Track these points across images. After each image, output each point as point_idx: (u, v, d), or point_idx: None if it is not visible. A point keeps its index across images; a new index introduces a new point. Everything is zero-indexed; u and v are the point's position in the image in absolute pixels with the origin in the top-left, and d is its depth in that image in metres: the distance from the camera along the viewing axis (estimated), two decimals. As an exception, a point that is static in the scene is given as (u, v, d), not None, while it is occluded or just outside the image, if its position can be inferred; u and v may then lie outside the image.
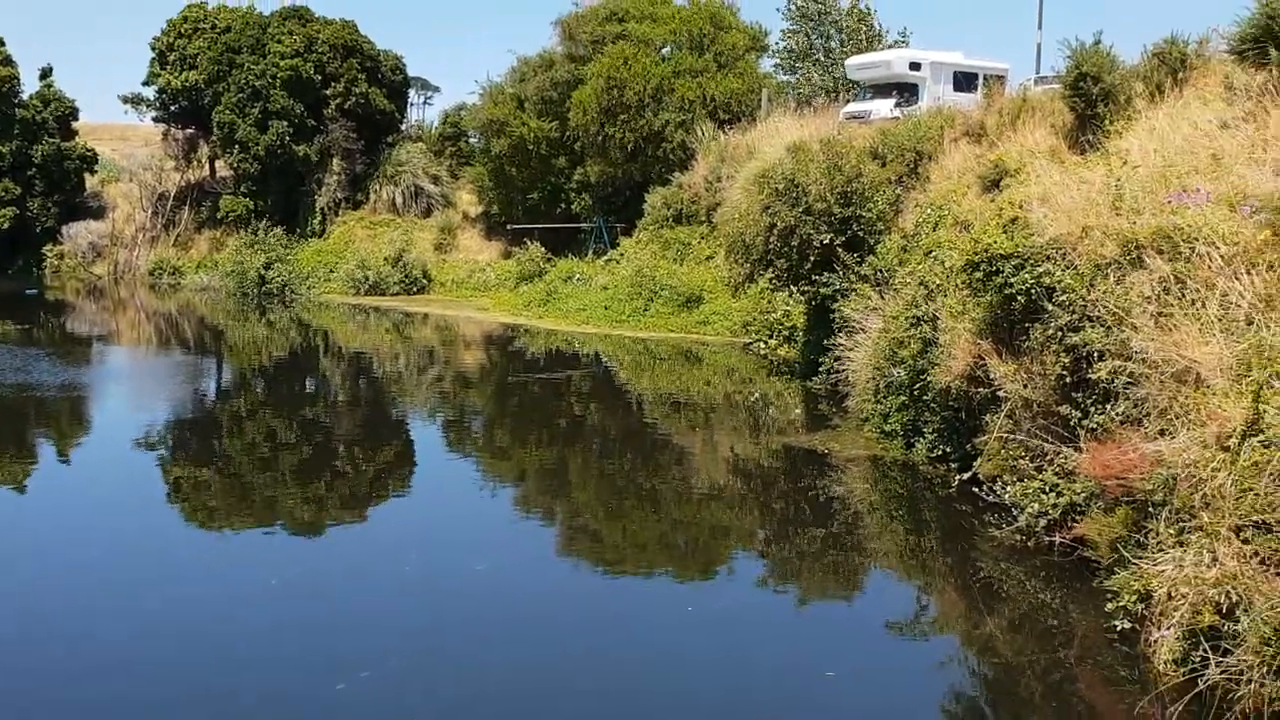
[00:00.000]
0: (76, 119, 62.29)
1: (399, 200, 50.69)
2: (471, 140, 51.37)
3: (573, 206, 43.53)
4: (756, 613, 10.31)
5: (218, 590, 10.29)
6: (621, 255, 36.74)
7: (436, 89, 77.91)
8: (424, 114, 65.36)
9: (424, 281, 45.43)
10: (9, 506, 13.60)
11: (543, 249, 41.68)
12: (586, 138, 40.73)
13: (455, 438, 18.69)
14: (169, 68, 54.13)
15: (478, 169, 47.94)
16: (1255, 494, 7.64)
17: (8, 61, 59.84)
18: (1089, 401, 10.50)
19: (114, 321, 39.43)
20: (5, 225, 57.56)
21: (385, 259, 45.10)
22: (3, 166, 57.43)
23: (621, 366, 26.81)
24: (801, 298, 21.66)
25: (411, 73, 57.53)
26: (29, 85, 60.71)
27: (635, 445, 17.90)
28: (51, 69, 61.85)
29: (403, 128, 57.28)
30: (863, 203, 19.66)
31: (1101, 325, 10.22)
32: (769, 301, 25.40)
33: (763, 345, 25.62)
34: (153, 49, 55.34)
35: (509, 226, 45.69)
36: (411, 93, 59.41)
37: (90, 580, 10.49)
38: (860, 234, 19.68)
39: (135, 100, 58.38)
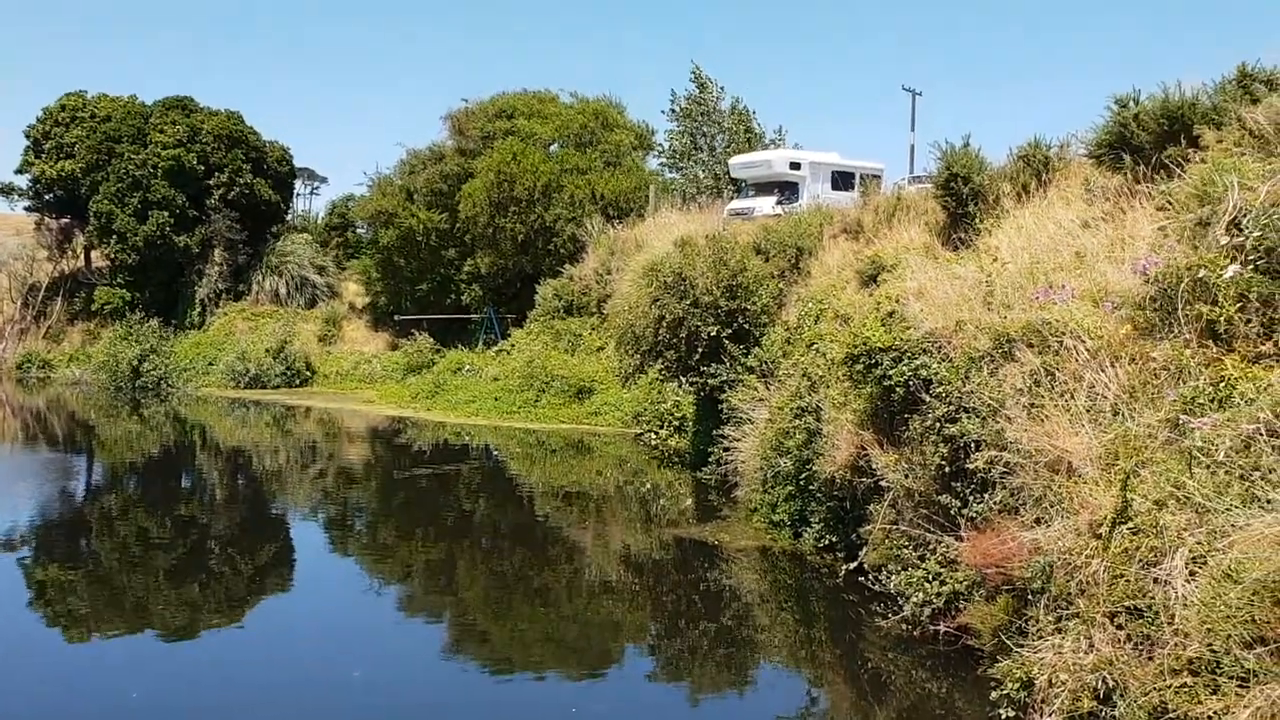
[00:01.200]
0: (-59, 207, 59.96)
1: (283, 291, 49.89)
2: (359, 231, 51.09)
3: (463, 297, 43.44)
4: (648, 711, 10.15)
5: (73, 704, 9.68)
6: (513, 346, 36.70)
7: (324, 179, 77.54)
8: (310, 204, 64.97)
9: (307, 374, 44.53)
10: None
11: (431, 340, 41.40)
12: (477, 229, 40.91)
13: (337, 536, 18.16)
14: (44, 156, 52.68)
15: (365, 260, 47.61)
16: (1126, 580, 7.88)
17: None
18: (968, 490, 10.77)
19: (-25, 417, 37.48)
20: None
21: (267, 351, 44.10)
22: None
23: (512, 458, 26.54)
24: (690, 388, 21.87)
25: (298, 163, 57.15)
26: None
27: (525, 539, 17.64)
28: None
29: (288, 218, 56.72)
30: (748, 296, 20.07)
31: (977, 416, 10.55)
32: (659, 392, 25.59)
33: (653, 435, 25.71)
34: (27, 136, 53.86)
35: (396, 317, 45.28)
36: (298, 183, 58.94)
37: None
38: (746, 326, 20.05)
39: (7, 189, 56.52)
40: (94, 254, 55.05)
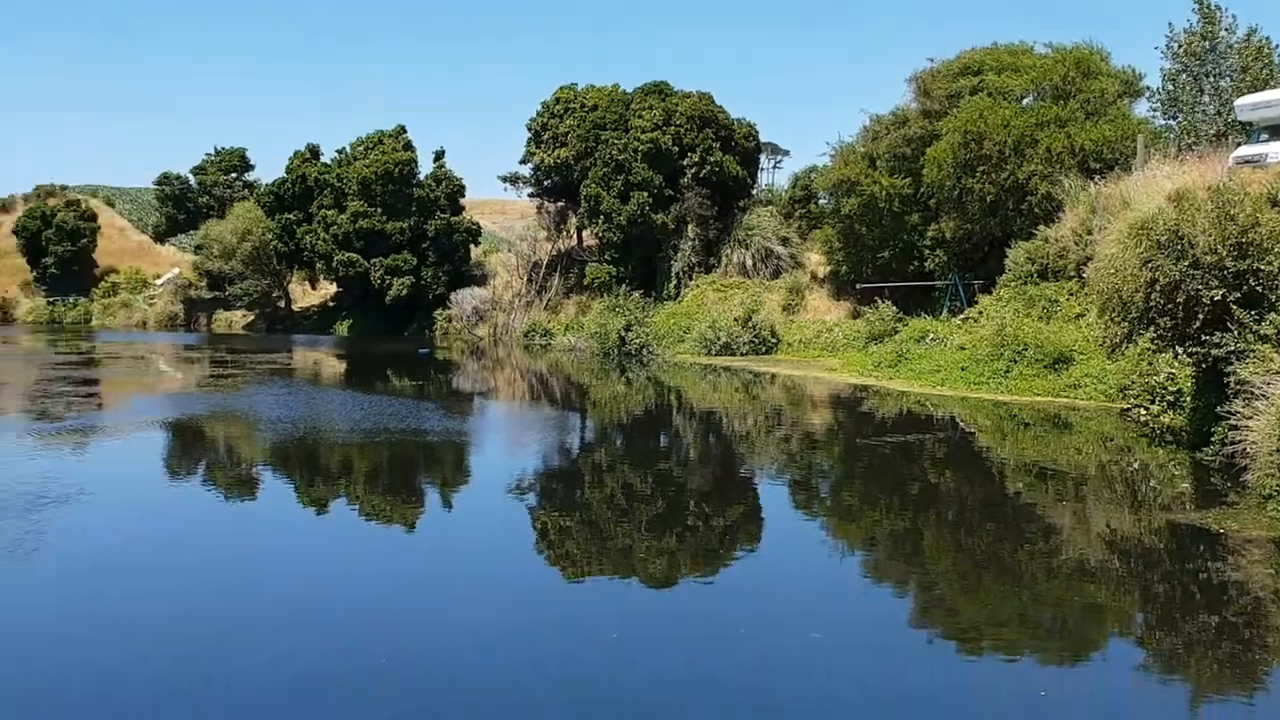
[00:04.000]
0: (464, 196, 69.11)
1: (749, 263, 51.68)
2: (821, 201, 51.52)
3: (926, 264, 42.30)
4: (1134, 706, 9.19)
5: (560, 639, 10.62)
6: (980, 313, 35.17)
7: (786, 153, 79.31)
8: (774, 178, 66.49)
9: (772, 342, 45.82)
10: (397, 543, 14.89)
11: (894, 308, 40.78)
12: (941, 193, 39.61)
13: (802, 498, 18.44)
14: (543, 146, 58.70)
15: (827, 230, 47.92)
16: None
17: (408, 147, 67.45)
18: None
19: (492, 379, 42.82)
20: (404, 292, 64.50)
21: (735, 320, 45.98)
22: (402, 240, 64.54)
23: (980, 431, 25.46)
24: (1189, 359, 19.58)
25: (762, 138, 58.79)
26: (424, 167, 68.10)
27: (996, 515, 16.80)
28: (444, 151, 69.12)
29: (753, 192, 58.55)
30: (1261, 255, 17.51)
31: None
32: (1150, 363, 23.20)
33: (1142, 411, 23.42)
34: (528, 129, 60.30)
35: (858, 286, 45.15)
36: (762, 158, 60.71)
37: (465, 618, 11.15)
38: (1259, 289, 17.52)
39: (513, 179, 63.75)
40: (585, 233, 60.55)
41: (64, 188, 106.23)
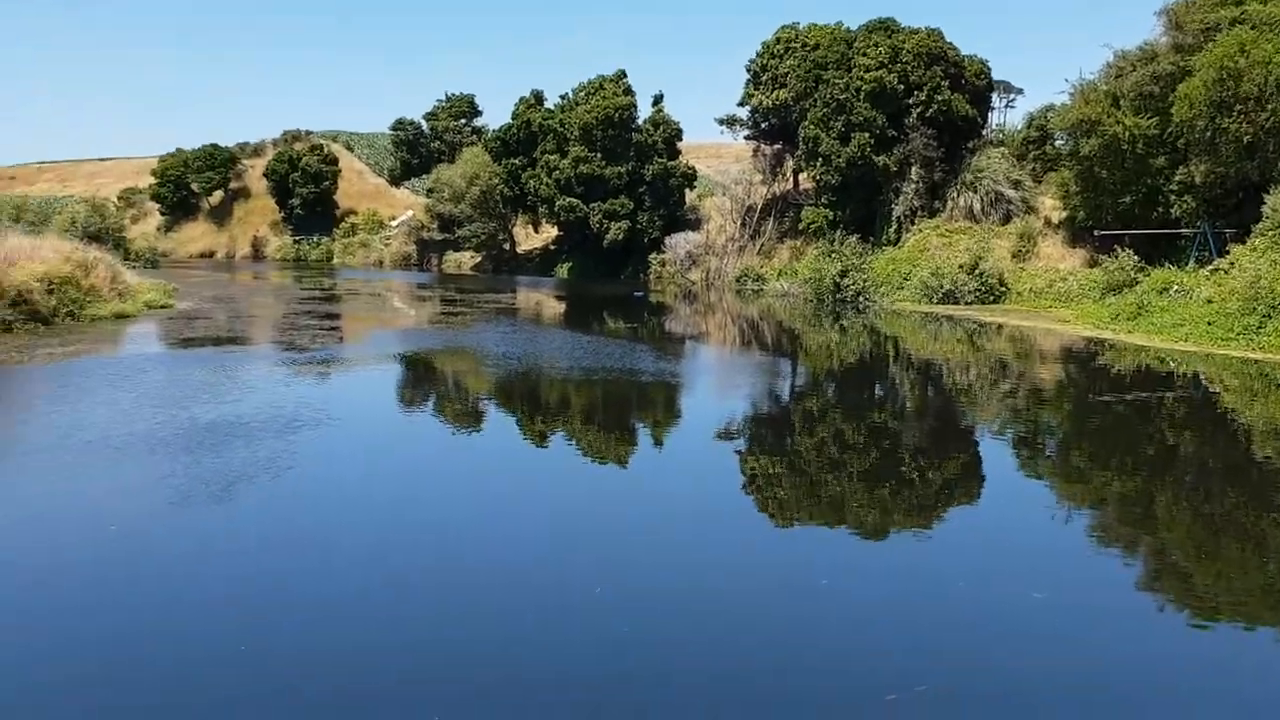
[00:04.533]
0: (680, 140, 69.20)
1: (977, 207, 49.55)
2: (1057, 143, 48.65)
3: (1172, 210, 39.38)
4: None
5: (767, 581, 10.61)
6: (1231, 264, 32.51)
7: (1019, 91, 74.95)
8: (1005, 118, 63.33)
9: (1000, 290, 43.95)
10: (611, 482, 15.26)
11: (1134, 257, 38.25)
12: (1192, 134, 36.67)
13: (1026, 455, 17.65)
14: (761, 88, 57.90)
15: (1063, 172, 45.24)
16: None
17: (628, 92, 68.03)
18: None
19: (703, 323, 43.03)
20: (620, 236, 65.50)
21: (960, 267, 44.31)
22: (620, 184, 65.41)
23: (1227, 390, 23.64)
24: None
25: (995, 76, 55.94)
26: (643, 112, 68.57)
27: (1239, 481, 15.58)
28: (662, 96, 69.36)
29: (984, 133, 55.92)
30: None
31: None
32: None
33: None
34: (747, 70, 59.57)
35: (1096, 233, 42.54)
36: (994, 97, 57.74)
37: (678, 558, 11.34)
38: None
39: (730, 121, 63.26)
40: (801, 176, 59.59)
41: (308, 133, 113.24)
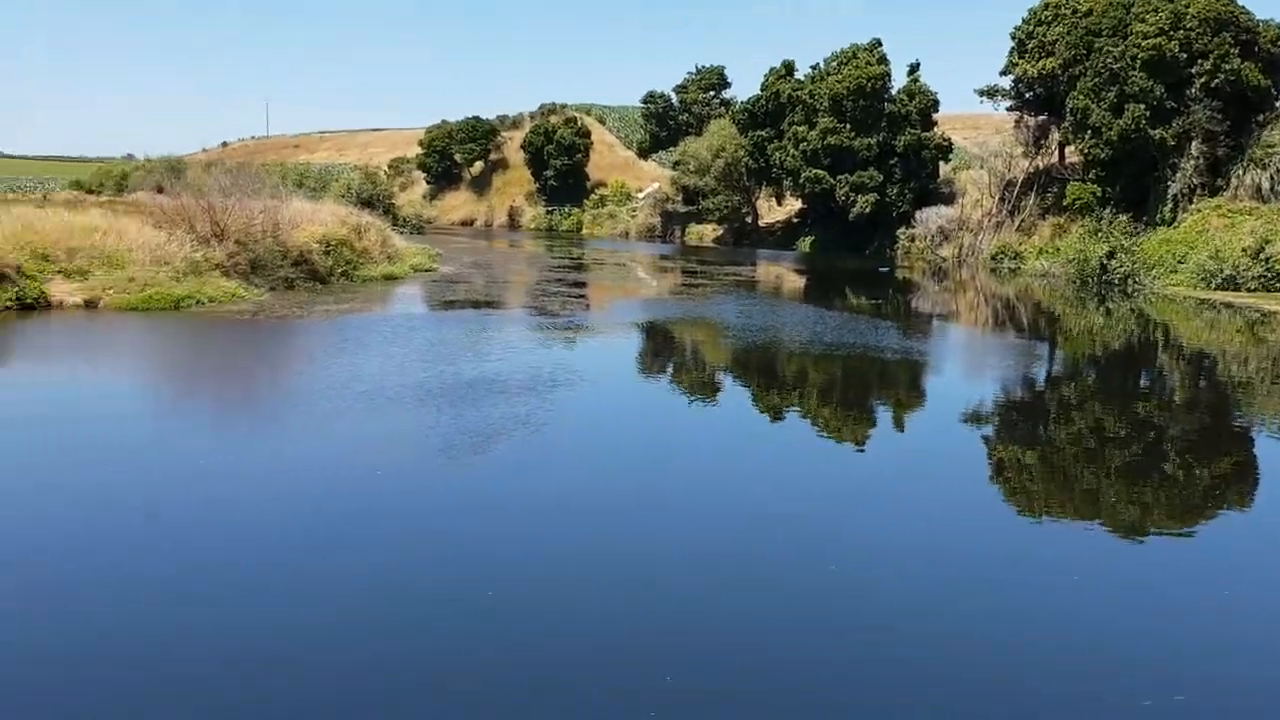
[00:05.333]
0: (936, 111, 66.76)
1: (1265, 186, 45.28)
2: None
3: None
4: None
5: (1002, 570, 10.15)
6: None
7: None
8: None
9: (1291, 277, 40.06)
10: (848, 460, 15.03)
11: None
12: None
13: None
14: (1026, 56, 54.99)
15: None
16: None
17: (882, 61, 66.25)
18: None
19: (953, 302, 41.54)
20: (867, 210, 64.08)
21: (1243, 250, 40.66)
22: (869, 156, 63.90)
23: None
24: None
25: (1296, 41, 50.66)
26: (897, 82, 66.59)
27: None
28: (918, 65, 67.08)
29: (1277, 105, 50.90)
30: None
31: None
32: None
33: None
34: (1012, 38, 56.68)
35: None
36: (1294, 64, 52.35)
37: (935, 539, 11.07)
38: None
39: (991, 91, 60.46)
40: (1067, 150, 56.28)
41: (563, 106, 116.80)
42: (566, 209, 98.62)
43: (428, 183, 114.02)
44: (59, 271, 27.50)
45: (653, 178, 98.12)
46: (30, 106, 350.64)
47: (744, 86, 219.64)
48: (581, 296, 37.39)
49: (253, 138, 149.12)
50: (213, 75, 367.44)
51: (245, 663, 7.68)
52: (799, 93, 69.44)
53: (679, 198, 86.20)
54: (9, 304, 25.33)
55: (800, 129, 67.51)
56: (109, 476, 12.32)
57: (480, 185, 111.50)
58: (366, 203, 58.16)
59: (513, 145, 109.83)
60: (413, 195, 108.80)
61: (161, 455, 13.64)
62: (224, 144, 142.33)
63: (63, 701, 7.04)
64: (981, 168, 61.50)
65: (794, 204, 77.52)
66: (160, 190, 46.73)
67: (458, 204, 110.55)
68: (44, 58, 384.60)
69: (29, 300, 25.82)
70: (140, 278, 27.67)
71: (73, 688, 7.22)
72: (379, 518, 11.10)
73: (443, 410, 15.84)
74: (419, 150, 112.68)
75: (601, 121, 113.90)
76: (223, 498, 11.56)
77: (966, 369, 24.57)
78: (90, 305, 26.43)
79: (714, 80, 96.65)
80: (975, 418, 18.03)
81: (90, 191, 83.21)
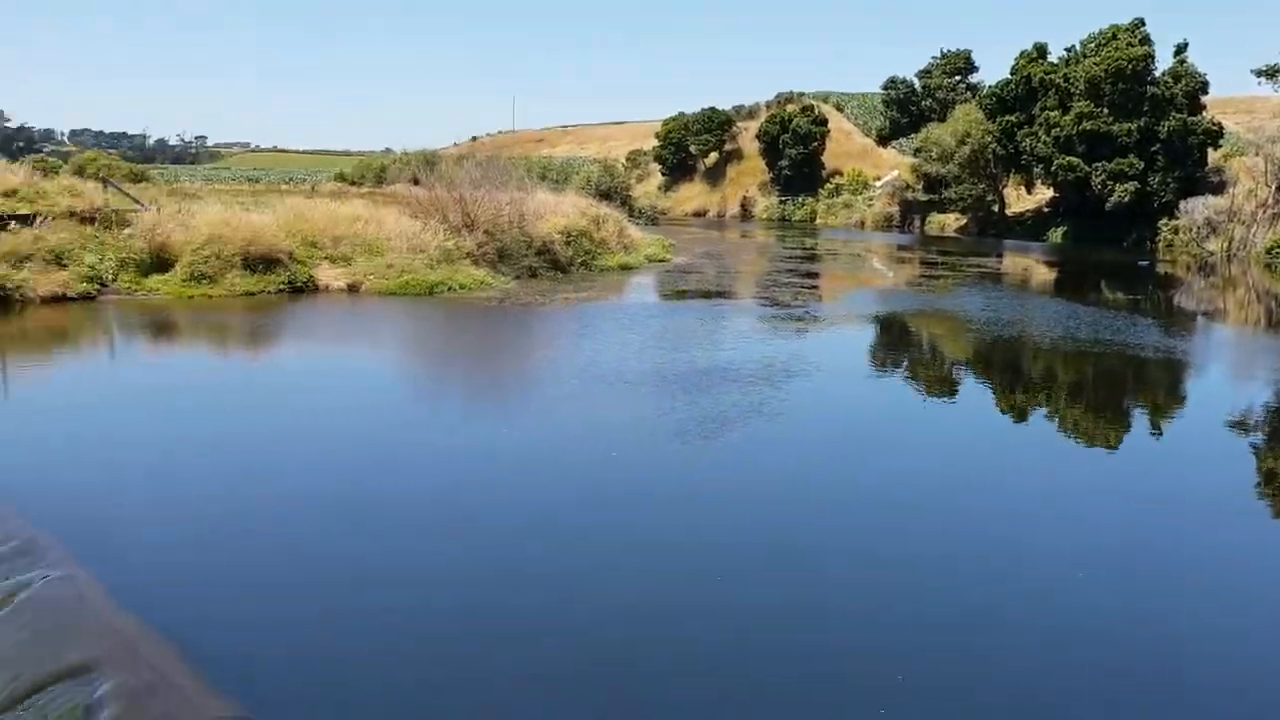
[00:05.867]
0: (1205, 94, 61.93)
1: None
2: None
3: None
4: None
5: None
6: None
7: None
8: None
9: None
10: (1102, 467, 14.21)
11: None
12: None
13: None
14: (1316, 30, 50.04)
15: None
16: None
17: (1145, 42, 61.96)
18: None
19: (1222, 299, 38.45)
20: (1125, 199, 60.23)
21: None
22: (1129, 143, 60.00)
23: None
24: None
25: None
26: (1161, 63, 62.14)
27: None
28: (1186, 45, 62.34)
29: None
30: None
31: None
32: None
33: None
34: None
35: None
36: None
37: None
38: None
39: (1271, 71, 55.51)
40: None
41: (800, 94, 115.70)
42: (800, 199, 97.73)
43: (663, 174, 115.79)
44: (325, 257, 29.72)
45: (891, 166, 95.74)
46: (299, 107, 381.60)
47: (991, 71, 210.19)
48: (814, 287, 37.00)
49: (500, 132, 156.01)
50: (464, 75, 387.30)
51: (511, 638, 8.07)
52: (1052, 76, 66.00)
53: (919, 186, 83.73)
54: (281, 286, 27.62)
55: (1053, 114, 64.16)
56: (369, 439, 13.24)
57: (714, 176, 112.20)
58: (605, 194, 59.58)
59: (747, 135, 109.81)
60: (648, 187, 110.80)
61: (412, 430, 14.50)
62: (473, 138, 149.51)
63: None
64: (1257, 154, 56.47)
65: (1044, 193, 73.79)
66: (416, 182, 49.60)
67: (691, 195, 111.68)
68: (316, 62, 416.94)
69: (299, 284, 28.05)
70: (397, 264, 29.51)
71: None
72: (611, 500, 11.39)
73: (677, 396, 16.09)
74: (655, 143, 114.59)
75: (839, 109, 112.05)
76: (465, 470, 12.23)
77: (1234, 371, 22.70)
78: (352, 289, 28.43)
79: (960, 64, 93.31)
80: (1240, 425, 16.64)
81: (352, 183, 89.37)
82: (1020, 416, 17.25)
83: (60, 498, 10.49)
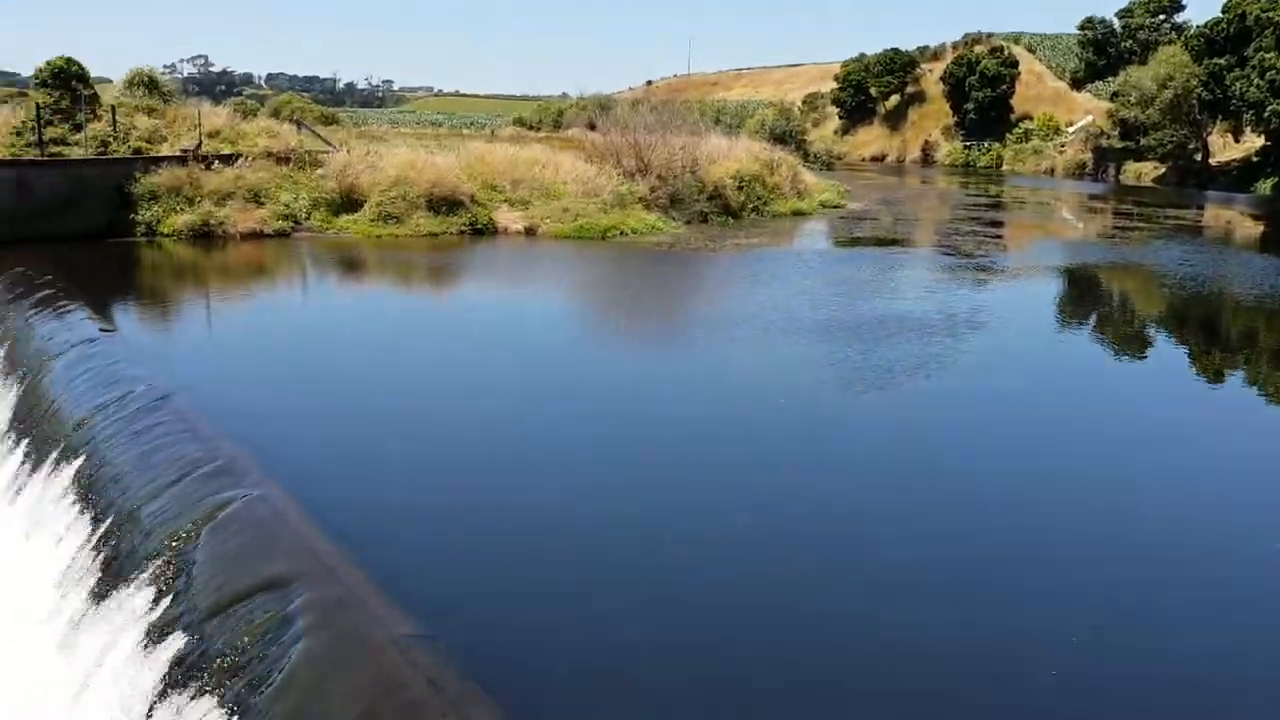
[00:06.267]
0: None
1: None
2: None
3: None
4: None
5: None
6: None
7: None
8: None
9: None
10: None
11: None
12: None
13: None
14: None
15: None
16: None
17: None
18: None
19: None
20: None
21: None
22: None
23: None
24: None
25: None
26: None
27: None
28: None
29: None
30: None
31: None
32: None
33: None
34: None
35: None
36: None
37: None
38: None
39: None
40: None
41: (989, 35, 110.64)
42: (985, 144, 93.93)
43: (840, 118, 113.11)
44: (504, 200, 30.39)
45: (1086, 110, 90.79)
46: (481, 52, 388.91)
47: (1200, 9, 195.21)
48: (998, 237, 35.59)
49: (675, 76, 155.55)
50: (641, 17, 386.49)
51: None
52: (1270, 14, 60.95)
53: (1115, 132, 79.17)
54: (463, 228, 28.43)
55: (1269, 56, 59.38)
56: (543, 376, 13.59)
57: (894, 120, 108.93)
58: (779, 139, 58.61)
59: (931, 78, 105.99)
60: (825, 131, 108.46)
61: (586, 367, 14.76)
62: (648, 83, 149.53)
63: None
64: None
65: (1254, 141, 68.58)
66: (591, 126, 49.98)
67: (870, 139, 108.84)
68: (498, 6, 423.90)
69: (480, 226, 28.80)
70: (573, 208, 29.93)
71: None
72: (778, 446, 11.33)
73: (851, 345, 15.81)
74: (833, 85, 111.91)
75: (1030, 50, 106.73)
76: (634, 409, 12.42)
77: None
78: (530, 232, 29.01)
79: (1165, 2, 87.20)
80: None
81: (531, 128, 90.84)
82: (1216, 377, 16.25)
83: (260, 421, 11.15)
